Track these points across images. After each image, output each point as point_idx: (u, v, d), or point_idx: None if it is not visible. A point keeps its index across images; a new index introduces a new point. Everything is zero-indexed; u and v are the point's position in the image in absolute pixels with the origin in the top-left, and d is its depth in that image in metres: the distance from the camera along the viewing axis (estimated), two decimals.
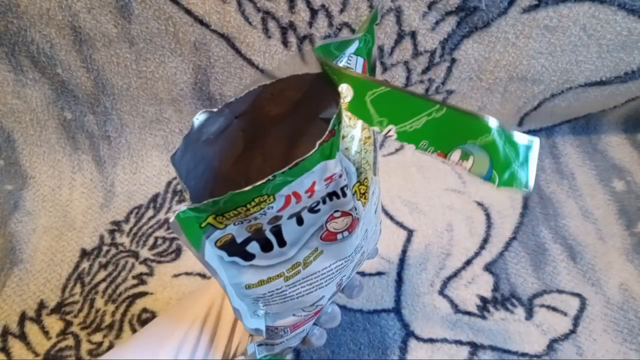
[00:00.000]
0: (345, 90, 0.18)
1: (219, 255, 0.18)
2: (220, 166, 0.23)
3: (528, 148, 0.18)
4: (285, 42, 0.41)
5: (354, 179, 0.20)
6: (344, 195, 0.19)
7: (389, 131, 0.18)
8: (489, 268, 0.42)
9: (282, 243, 0.19)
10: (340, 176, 0.18)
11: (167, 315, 0.27)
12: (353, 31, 0.40)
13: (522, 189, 0.17)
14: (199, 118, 0.19)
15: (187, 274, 0.42)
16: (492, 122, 0.17)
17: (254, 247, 0.19)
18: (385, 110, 0.18)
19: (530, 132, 0.52)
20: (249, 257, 0.19)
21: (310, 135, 0.23)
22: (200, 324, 0.25)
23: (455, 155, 0.18)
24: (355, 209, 0.20)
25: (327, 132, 0.16)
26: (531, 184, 0.17)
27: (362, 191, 0.21)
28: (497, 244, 0.44)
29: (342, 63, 0.20)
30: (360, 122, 0.20)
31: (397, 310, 0.39)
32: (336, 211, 0.19)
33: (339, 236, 0.21)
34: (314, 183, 0.17)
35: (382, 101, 0.18)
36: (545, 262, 0.42)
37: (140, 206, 0.47)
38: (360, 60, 0.21)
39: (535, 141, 0.18)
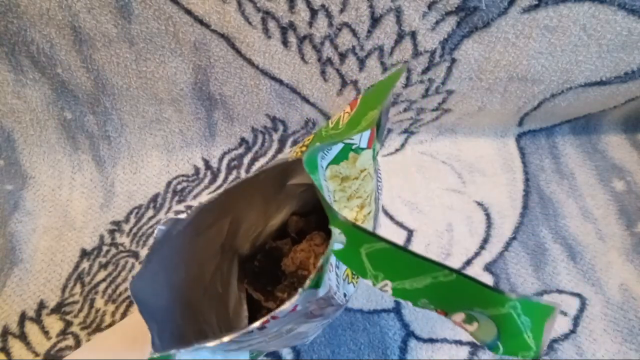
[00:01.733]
0: (338, 235, 0.16)
1: None
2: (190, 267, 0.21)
3: (545, 316, 0.15)
4: (285, 42, 0.41)
5: (343, 267, 0.19)
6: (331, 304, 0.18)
7: (384, 286, 0.16)
8: (489, 268, 0.42)
9: None
10: (325, 299, 0.17)
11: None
12: (353, 31, 0.40)
13: (529, 358, 0.15)
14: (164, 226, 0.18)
15: None
16: (512, 296, 0.15)
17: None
18: (383, 266, 0.16)
19: (530, 132, 0.52)
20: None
21: (280, 200, 0.22)
22: None
23: (458, 317, 0.16)
24: (335, 298, 0.18)
25: (315, 270, 0.15)
26: (542, 351, 0.15)
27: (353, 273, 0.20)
28: (497, 244, 0.44)
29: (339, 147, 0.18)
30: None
31: (397, 310, 0.39)
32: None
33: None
34: (295, 306, 0.16)
35: (380, 256, 0.15)
36: (545, 262, 0.42)
37: (140, 206, 0.47)
38: (366, 132, 0.19)
39: (556, 309, 0.15)
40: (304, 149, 0.18)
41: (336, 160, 0.18)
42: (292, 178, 0.22)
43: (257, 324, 0.15)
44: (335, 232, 0.15)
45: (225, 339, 0.15)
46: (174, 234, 0.19)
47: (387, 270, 0.15)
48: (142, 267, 0.18)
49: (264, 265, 0.25)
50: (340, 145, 0.18)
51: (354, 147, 0.19)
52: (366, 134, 0.19)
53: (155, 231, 0.18)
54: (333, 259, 0.18)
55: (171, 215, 0.46)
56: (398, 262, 0.15)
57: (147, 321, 0.17)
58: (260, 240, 0.23)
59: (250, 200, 0.21)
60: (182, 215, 0.19)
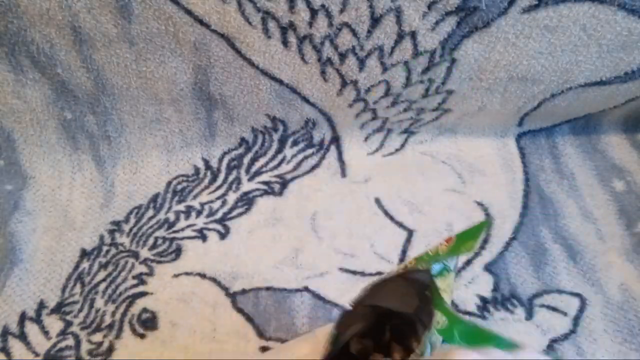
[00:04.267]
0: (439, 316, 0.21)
1: None
2: None
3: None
4: (285, 42, 0.41)
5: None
6: None
7: None
8: (489, 268, 0.42)
9: None
10: None
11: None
12: (353, 31, 0.40)
13: None
14: None
15: (187, 274, 0.42)
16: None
17: None
18: (471, 342, 0.20)
19: (530, 132, 0.52)
20: None
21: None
22: None
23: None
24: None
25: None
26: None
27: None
28: (497, 244, 0.44)
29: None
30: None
31: None
32: None
33: None
34: None
35: (469, 335, 0.20)
36: (545, 262, 0.42)
37: (140, 206, 0.47)
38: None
39: None
40: (410, 264, 0.24)
41: (437, 275, 0.23)
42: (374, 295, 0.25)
43: None
44: (438, 315, 0.20)
45: None
46: None
47: (475, 345, 0.20)
48: None
49: None
50: (441, 265, 0.24)
51: (447, 267, 0.24)
52: (453, 261, 0.25)
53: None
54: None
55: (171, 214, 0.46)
56: (483, 340, 0.20)
57: None
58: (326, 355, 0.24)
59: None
60: None
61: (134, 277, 0.42)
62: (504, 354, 0.17)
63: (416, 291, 0.23)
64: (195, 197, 0.47)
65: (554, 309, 0.39)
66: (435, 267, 0.23)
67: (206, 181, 0.49)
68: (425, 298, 0.22)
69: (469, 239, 0.23)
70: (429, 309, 0.21)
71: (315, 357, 0.25)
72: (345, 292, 0.41)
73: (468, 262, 0.42)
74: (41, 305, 0.41)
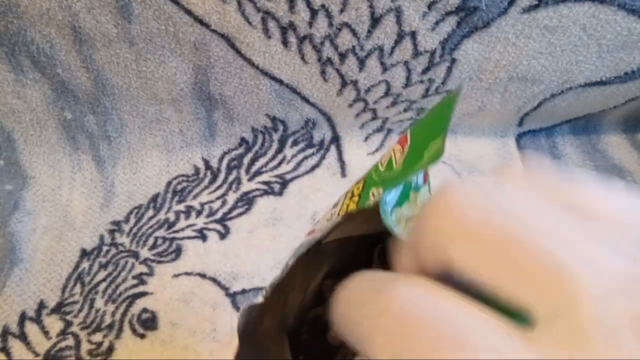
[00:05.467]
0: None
1: None
2: None
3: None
4: (285, 42, 0.41)
5: None
6: None
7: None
8: None
9: None
10: None
11: None
12: (353, 31, 0.40)
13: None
14: None
15: (187, 274, 0.42)
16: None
17: None
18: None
19: (530, 132, 0.52)
20: None
21: (316, 261, 0.21)
22: None
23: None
24: None
25: None
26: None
27: None
28: None
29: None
30: None
31: None
32: None
33: None
34: None
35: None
36: None
37: (140, 206, 0.47)
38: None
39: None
40: (355, 199, 0.18)
41: (399, 203, 0.17)
42: (330, 234, 0.20)
43: None
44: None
45: None
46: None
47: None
48: None
49: (311, 339, 0.23)
50: (400, 187, 0.17)
51: (413, 185, 0.18)
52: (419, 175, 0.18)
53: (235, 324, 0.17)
54: None
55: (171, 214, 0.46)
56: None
57: None
58: (302, 309, 0.21)
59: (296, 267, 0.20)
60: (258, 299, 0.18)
61: (134, 277, 0.42)
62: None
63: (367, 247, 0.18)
64: (195, 197, 0.47)
65: None
66: (391, 195, 0.16)
67: (206, 181, 0.49)
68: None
69: (437, 124, 0.15)
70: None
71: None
72: None
73: None
74: (41, 305, 0.41)
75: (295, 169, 0.50)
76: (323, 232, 0.18)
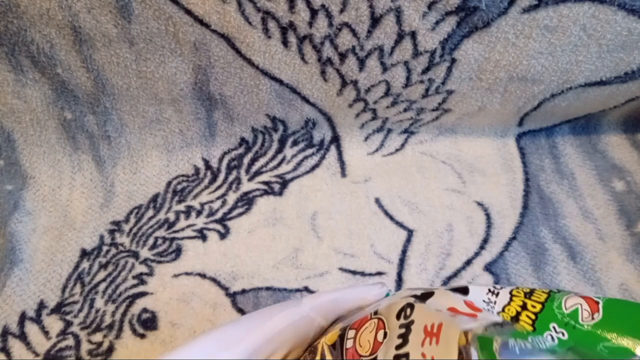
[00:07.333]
0: None
1: None
2: None
3: None
4: (285, 42, 0.41)
5: None
6: None
7: None
8: (489, 268, 0.42)
9: None
10: None
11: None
12: (353, 31, 0.40)
13: None
14: None
15: (187, 274, 0.42)
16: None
17: None
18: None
19: (530, 132, 0.52)
20: None
21: None
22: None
23: None
24: None
25: None
26: None
27: None
28: (497, 244, 0.44)
29: None
30: None
31: None
32: None
33: None
34: None
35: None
36: (545, 262, 0.42)
37: (140, 206, 0.47)
38: None
39: None
40: (530, 314, 0.16)
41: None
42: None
43: None
44: None
45: None
46: None
47: None
48: None
49: None
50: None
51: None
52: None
53: None
54: None
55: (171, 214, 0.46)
56: None
57: None
58: None
59: None
60: None
61: (134, 277, 0.42)
62: None
63: None
64: (195, 197, 0.47)
65: None
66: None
67: (206, 181, 0.49)
68: None
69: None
70: None
71: None
72: None
73: (468, 262, 0.42)
74: (41, 305, 0.41)
75: (295, 169, 0.50)
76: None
